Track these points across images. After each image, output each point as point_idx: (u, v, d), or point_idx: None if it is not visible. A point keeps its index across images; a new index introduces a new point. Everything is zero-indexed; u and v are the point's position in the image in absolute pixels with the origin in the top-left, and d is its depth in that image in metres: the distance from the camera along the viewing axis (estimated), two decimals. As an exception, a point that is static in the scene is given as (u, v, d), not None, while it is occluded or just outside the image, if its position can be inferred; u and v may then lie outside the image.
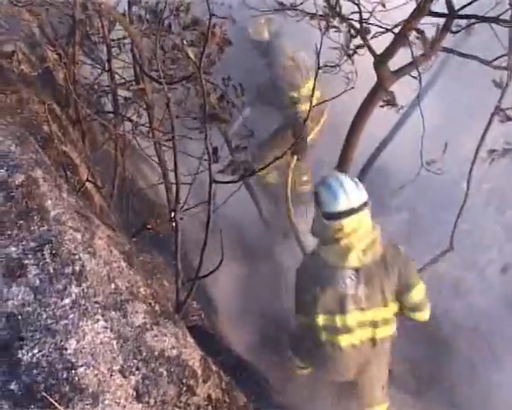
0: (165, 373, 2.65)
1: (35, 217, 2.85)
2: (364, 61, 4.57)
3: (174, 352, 2.77)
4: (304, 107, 7.45)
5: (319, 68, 3.33)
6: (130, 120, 5.05)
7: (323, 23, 3.27)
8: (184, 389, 2.68)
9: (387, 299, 4.45)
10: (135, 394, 2.52)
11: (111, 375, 2.51)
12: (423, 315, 4.65)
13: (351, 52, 3.62)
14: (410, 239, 6.75)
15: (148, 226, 4.87)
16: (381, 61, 4.80)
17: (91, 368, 2.48)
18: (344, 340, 4.48)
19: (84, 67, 5.10)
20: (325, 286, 4.40)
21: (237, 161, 4.57)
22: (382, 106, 4.89)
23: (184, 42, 4.49)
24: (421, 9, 4.31)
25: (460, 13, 4.35)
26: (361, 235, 4.36)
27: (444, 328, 6.28)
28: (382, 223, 4.71)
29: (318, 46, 3.21)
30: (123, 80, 4.93)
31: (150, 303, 2.91)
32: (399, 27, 4.60)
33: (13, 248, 2.73)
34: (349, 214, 4.26)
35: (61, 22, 5.01)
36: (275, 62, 7.77)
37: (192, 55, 4.36)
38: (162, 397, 2.57)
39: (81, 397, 2.40)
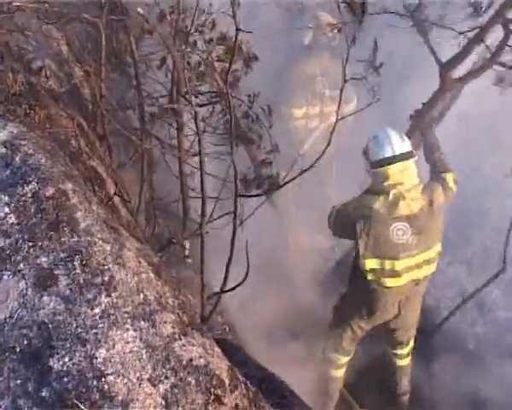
0: (193, 382, 2.67)
1: (65, 228, 2.89)
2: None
3: (202, 361, 2.78)
4: None
5: (345, 81, 3.36)
6: (157, 138, 5.11)
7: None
8: (212, 398, 2.69)
9: (434, 242, 4.69)
10: (164, 402, 2.53)
11: (140, 384, 2.53)
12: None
13: (377, 64, 3.66)
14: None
15: (174, 241, 4.90)
16: (447, 67, 4.88)
17: (121, 377, 2.51)
18: (390, 282, 4.72)
19: (111, 82, 5.17)
20: (376, 234, 4.62)
21: (263, 175, 4.62)
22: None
23: (210, 58, 4.55)
24: (497, 15, 4.38)
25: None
26: (408, 186, 4.58)
27: (468, 343, 6.24)
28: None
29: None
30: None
31: (178, 314, 2.93)
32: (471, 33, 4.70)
33: (43, 259, 2.77)
34: (393, 161, 4.52)
35: (89, 39, 5.09)
36: None
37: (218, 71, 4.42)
38: (190, 406, 2.59)
39: (111, 405, 2.42)
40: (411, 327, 5.17)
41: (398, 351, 5.37)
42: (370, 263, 4.68)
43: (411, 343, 5.35)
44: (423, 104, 5.27)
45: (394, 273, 4.65)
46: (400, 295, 4.79)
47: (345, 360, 5.35)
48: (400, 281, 4.67)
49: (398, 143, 4.55)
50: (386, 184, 4.56)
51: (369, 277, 4.73)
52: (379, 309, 4.85)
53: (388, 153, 4.52)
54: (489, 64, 4.81)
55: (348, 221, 4.76)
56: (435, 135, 5.20)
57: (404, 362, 5.46)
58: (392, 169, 4.52)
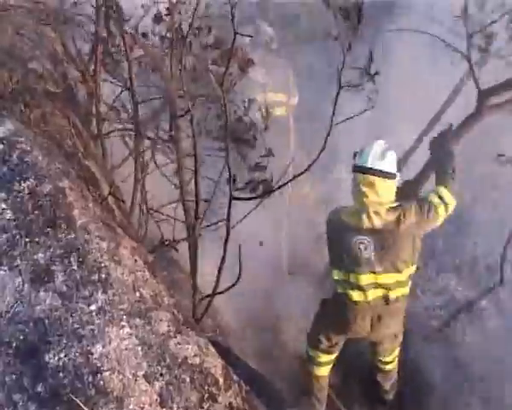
0: (188, 380, 2.69)
1: (62, 225, 2.91)
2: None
3: (197, 360, 2.81)
4: None
5: (341, 87, 3.40)
6: (149, 138, 5.11)
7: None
8: (206, 396, 2.71)
9: (400, 266, 4.66)
10: (158, 399, 2.55)
11: (135, 380, 2.55)
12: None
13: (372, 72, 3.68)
14: (421, 264, 6.77)
15: (166, 243, 4.89)
16: (486, 95, 4.87)
17: (116, 373, 2.53)
18: (356, 296, 4.77)
19: (105, 84, 5.16)
20: (342, 245, 4.68)
21: (256, 179, 4.63)
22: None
23: (205, 61, 4.55)
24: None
25: None
26: (372, 200, 4.56)
27: (458, 351, 6.27)
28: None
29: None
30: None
31: (173, 312, 2.96)
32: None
33: (40, 255, 2.79)
34: (362, 170, 4.54)
35: (84, 40, 5.10)
36: None
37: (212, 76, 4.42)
38: (185, 403, 2.61)
39: (106, 401, 2.44)
40: (390, 343, 5.20)
41: (382, 358, 5.43)
42: (337, 274, 4.79)
43: (395, 352, 5.39)
44: (451, 125, 5.19)
45: (359, 288, 4.72)
46: (370, 312, 4.83)
47: (325, 358, 5.35)
48: (366, 297, 4.74)
49: (375, 158, 4.58)
50: (355, 190, 4.62)
51: (339, 289, 4.83)
52: (349, 324, 4.91)
53: (362, 162, 4.59)
54: None
55: (327, 234, 4.89)
56: (452, 151, 5.16)
57: (388, 367, 5.52)
58: (361, 178, 4.57)
